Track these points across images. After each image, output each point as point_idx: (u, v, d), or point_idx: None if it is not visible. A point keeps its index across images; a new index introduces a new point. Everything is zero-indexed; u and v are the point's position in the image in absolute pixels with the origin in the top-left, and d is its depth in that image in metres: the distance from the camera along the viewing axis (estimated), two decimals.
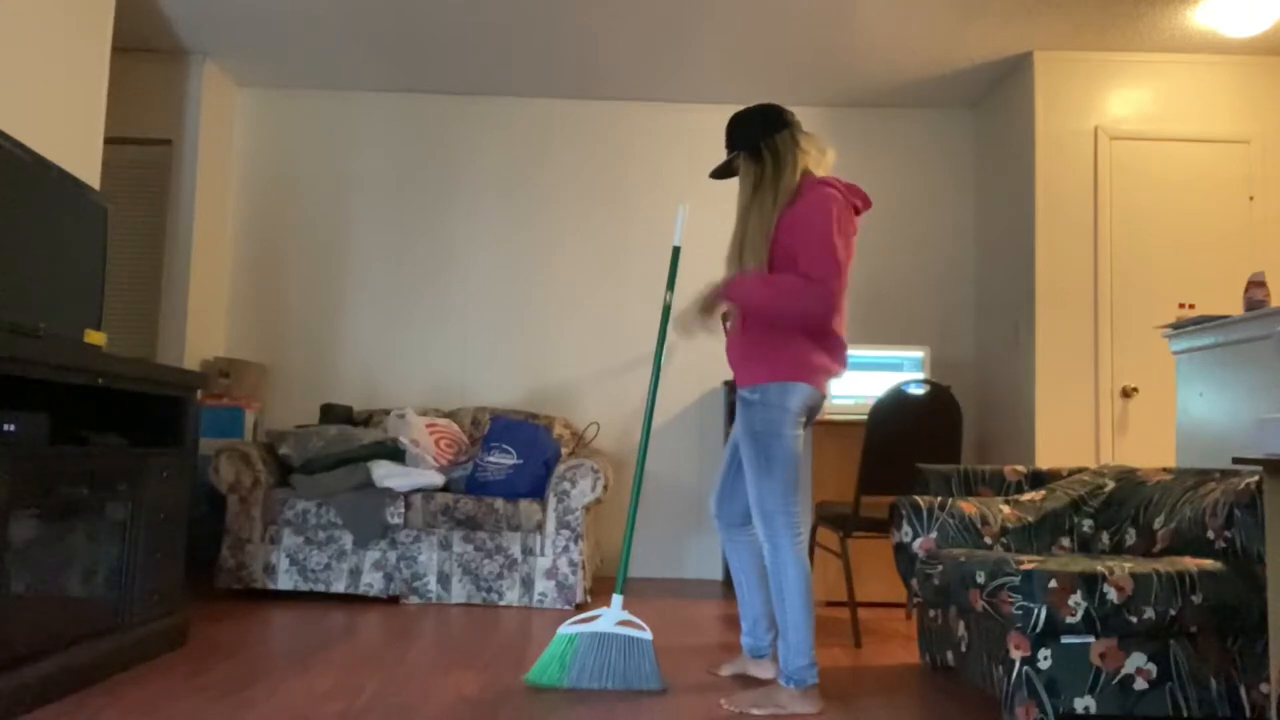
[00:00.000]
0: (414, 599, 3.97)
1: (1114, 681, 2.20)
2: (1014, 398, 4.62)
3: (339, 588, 3.97)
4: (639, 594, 4.46)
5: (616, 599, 2.64)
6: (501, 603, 3.97)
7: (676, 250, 2.91)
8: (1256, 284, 3.03)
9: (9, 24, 3.08)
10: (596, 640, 2.62)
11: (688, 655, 3.13)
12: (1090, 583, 2.17)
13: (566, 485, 3.99)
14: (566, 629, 2.62)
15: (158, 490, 2.89)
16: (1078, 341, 4.38)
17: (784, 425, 2.51)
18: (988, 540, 2.85)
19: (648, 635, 2.64)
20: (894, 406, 3.45)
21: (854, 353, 4.55)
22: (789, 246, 2.49)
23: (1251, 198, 4.38)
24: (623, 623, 2.65)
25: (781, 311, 2.48)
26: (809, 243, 2.44)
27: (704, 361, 5.07)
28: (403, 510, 3.97)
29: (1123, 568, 2.20)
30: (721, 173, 2.80)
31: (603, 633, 2.63)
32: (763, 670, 2.83)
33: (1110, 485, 2.96)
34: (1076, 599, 2.16)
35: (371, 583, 3.97)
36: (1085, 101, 4.48)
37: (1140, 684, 2.21)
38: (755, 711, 2.42)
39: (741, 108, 2.75)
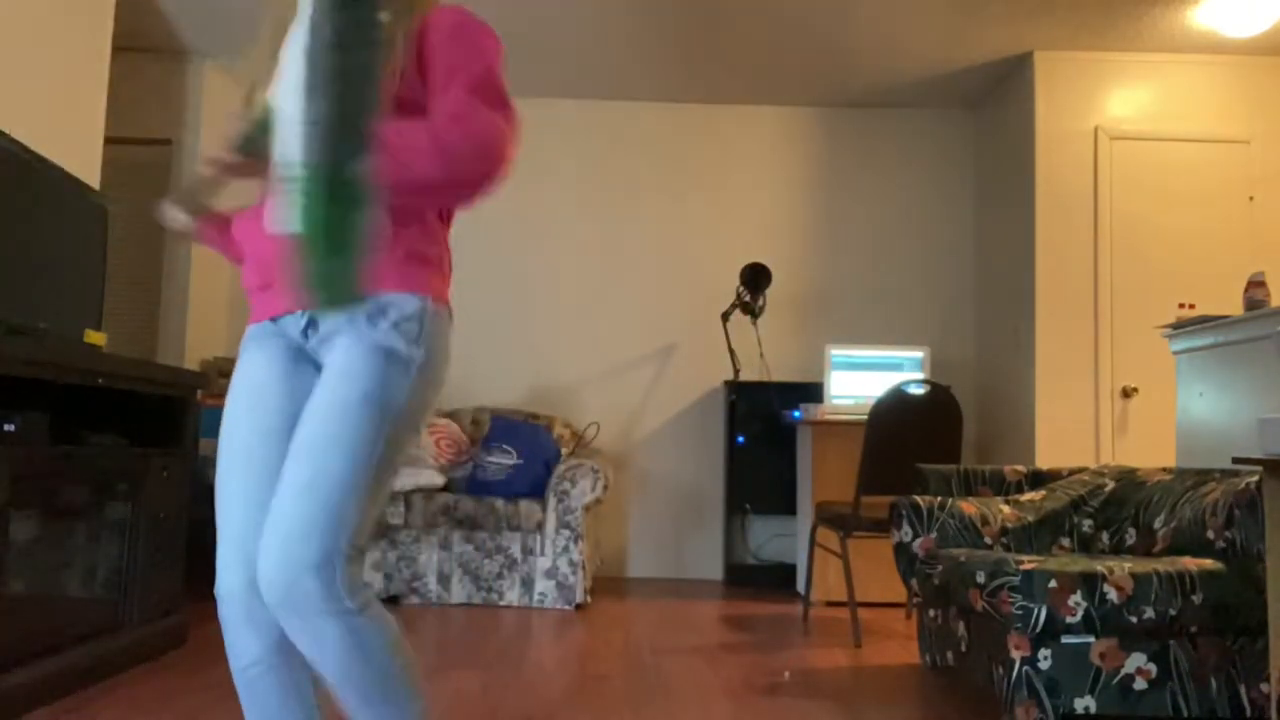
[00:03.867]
0: (414, 599, 3.97)
1: (1114, 681, 2.20)
2: (1014, 398, 4.62)
3: None
4: (639, 594, 4.46)
5: None
6: (502, 603, 3.97)
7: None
8: (1256, 284, 3.03)
9: (9, 24, 3.07)
10: None
11: (688, 655, 3.13)
12: (1090, 583, 2.17)
13: (566, 485, 3.99)
14: None
15: (158, 490, 2.88)
16: (1078, 341, 4.38)
17: (425, 376, 1.35)
18: (988, 540, 2.85)
19: None
20: (894, 406, 3.45)
21: (854, 353, 4.55)
22: (422, 75, 1.34)
23: (1251, 198, 4.38)
24: None
25: (457, 172, 1.25)
26: (472, 58, 1.33)
27: (704, 360, 5.07)
28: (403, 510, 3.97)
29: (1123, 568, 2.20)
30: None
31: None
32: None
33: (1110, 485, 2.96)
34: (1076, 599, 2.16)
35: (371, 583, 3.97)
36: (1085, 101, 4.48)
37: (1140, 684, 2.21)
38: None
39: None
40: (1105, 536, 2.85)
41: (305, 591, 1.23)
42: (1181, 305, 4.27)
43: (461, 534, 4.00)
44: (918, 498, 2.90)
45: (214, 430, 4.55)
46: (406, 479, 4.05)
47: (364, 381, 1.29)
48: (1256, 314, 2.93)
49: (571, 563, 3.97)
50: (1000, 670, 2.31)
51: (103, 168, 3.62)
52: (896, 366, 4.55)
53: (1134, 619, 2.17)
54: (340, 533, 1.25)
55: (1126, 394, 4.33)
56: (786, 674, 2.92)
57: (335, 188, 1.16)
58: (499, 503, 3.99)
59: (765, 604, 4.22)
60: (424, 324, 1.35)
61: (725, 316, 4.84)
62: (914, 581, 2.85)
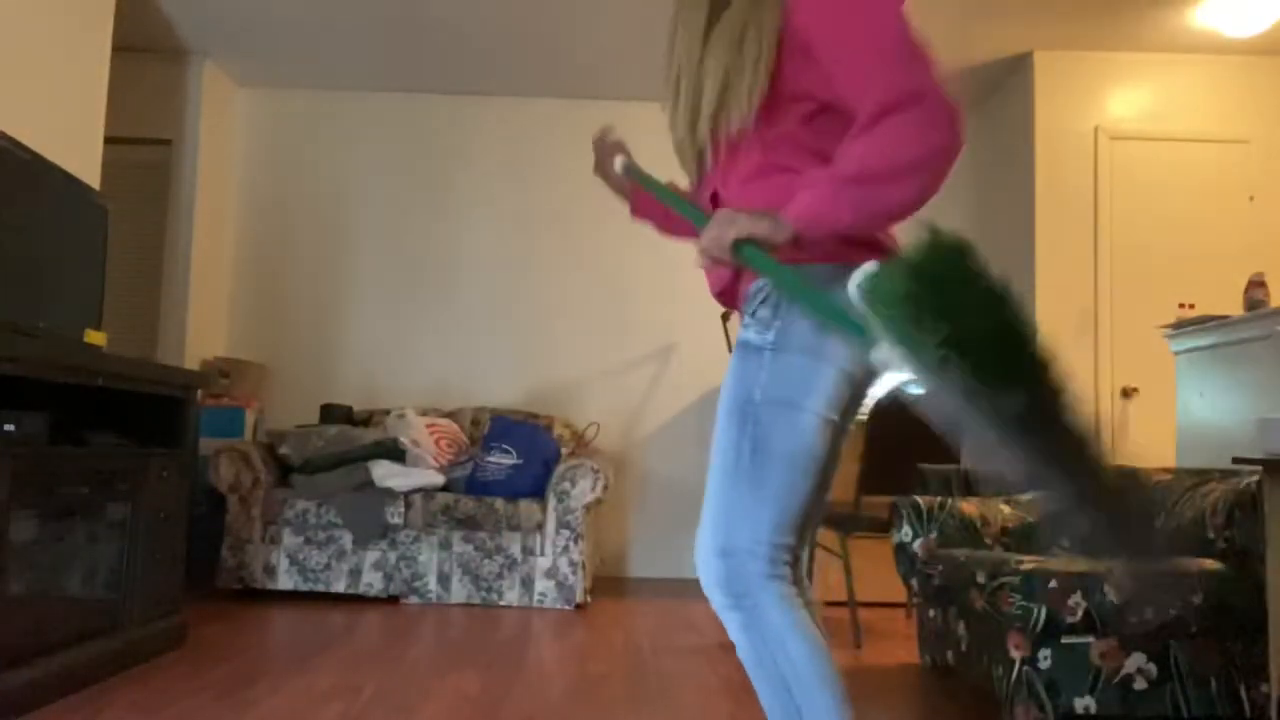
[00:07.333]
0: (414, 599, 3.97)
1: (1114, 681, 2.20)
2: None
3: (339, 588, 3.97)
4: (639, 594, 4.46)
5: None
6: (501, 603, 3.96)
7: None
8: (1256, 284, 3.04)
9: (9, 24, 3.08)
10: None
11: (688, 656, 3.13)
12: (1090, 583, 2.16)
13: (566, 485, 3.99)
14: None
15: (158, 490, 2.88)
16: (1078, 341, 4.38)
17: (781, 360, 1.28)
18: (988, 540, 2.85)
19: None
20: (894, 407, 3.44)
21: None
22: (813, 71, 1.27)
23: (1251, 198, 4.38)
24: None
25: (901, 185, 1.19)
26: (858, 46, 1.25)
27: (704, 360, 5.07)
28: (403, 510, 3.97)
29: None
30: None
31: None
32: None
33: None
34: (1076, 599, 2.16)
35: (371, 583, 3.97)
36: (1085, 101, 4.48)
37: (1140, 684, 2.21)
38: None
39: None
40: None
41: (709, 578, 1.28)
42: (1181, 305, 4.27)
43: (461, 534, 4.00)
44: (918, 498, 2.90)
45: (214, 430, 4.57)
46: (406, 479, 4.05)
47: (728, 381, 1.31)
48: (1256, 314, 2.93)
49: (571, 563, 3.97)
50: (1000, 670, 2.31)
51: (103, 168, 3.62)
52: None
53: (1134, 619, 2.17)
54: (728, 528, 1.26)
55: (1126, 394, 4.33)
56: None
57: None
58: (499, 503, 3.99)
59: None
60: (775, 305, 1.29)
61: (725, 316, 4.84)
62: (914, 581, 2.85)
